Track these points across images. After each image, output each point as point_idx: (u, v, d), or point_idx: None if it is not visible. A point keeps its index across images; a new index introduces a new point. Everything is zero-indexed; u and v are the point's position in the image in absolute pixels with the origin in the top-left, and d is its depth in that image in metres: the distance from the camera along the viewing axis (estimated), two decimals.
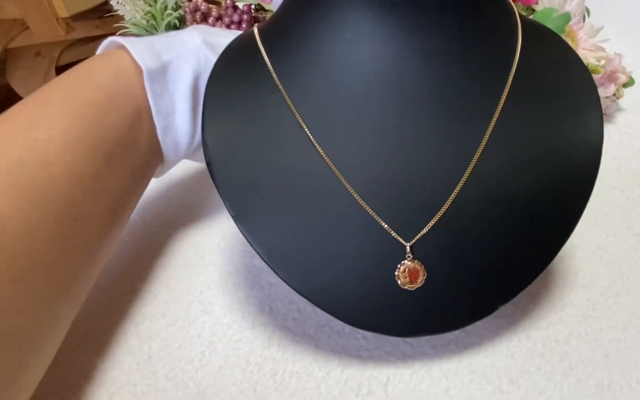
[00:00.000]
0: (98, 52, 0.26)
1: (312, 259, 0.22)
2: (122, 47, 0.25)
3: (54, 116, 0.21)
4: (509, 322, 0.25)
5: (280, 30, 0.25)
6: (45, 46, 1.30)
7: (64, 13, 1.17)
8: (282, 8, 0.26)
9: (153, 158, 0.27)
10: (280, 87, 0.23)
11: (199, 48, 0.27)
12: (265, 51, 0.25)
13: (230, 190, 0.22)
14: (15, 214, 0.19)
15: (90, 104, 0.23)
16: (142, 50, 0.25)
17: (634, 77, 0.40)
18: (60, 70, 1.31)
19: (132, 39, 0.26)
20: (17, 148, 0.20)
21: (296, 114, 0.23)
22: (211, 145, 0.23)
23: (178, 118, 0.26)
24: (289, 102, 0.23)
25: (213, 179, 0.22)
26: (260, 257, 0.21)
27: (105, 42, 0.26)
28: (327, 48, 0.23)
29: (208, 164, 0.23)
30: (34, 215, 0.19)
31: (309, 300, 0.21)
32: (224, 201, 0.22)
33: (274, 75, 0.24)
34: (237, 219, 0.22)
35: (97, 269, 0.24)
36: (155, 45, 0.26)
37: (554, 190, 0.22)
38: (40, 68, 1.34)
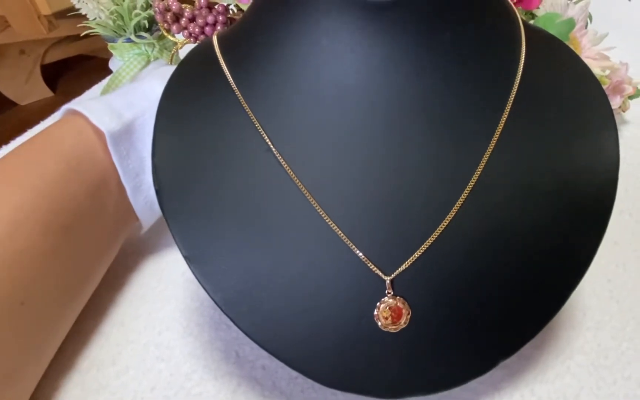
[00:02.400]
0: (56, 119, 0.25)
1: (280, 304, 0.18)
2: (80, 113, 0.24)
3: (4, 192, 0.20)
4: (509, 374, 0.22)
5: (242, 37, 0.22)
6: (29, 44, 1.25)
7: (46, 10, 1.13)
8: (246, 13, 0.23)
9: (124, 222, 0.25)
10: (243, 102, 0.20)
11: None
12: (225, 61, 0.21)
13: (183, 225, 0.19)
14: None
15: (47, 174, 0.21)
16: (101, 113, 0.23)
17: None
18: (45, 68, 1.27)
19: (89, 102, 0.24)
20: None
21: (262, 132, 0.20)
22: (161, 170, 0.19)
23: (149, 176, 0.24)
24: (254, 120, 0.20)
25: (162, 211, 0.19)
26: (217, 305, 0.18)
27: (62, 110, 0.25)
28: (298, 56, 0.20)
29: (157, 192, 0.19)
30: None
31: (276, 357, 0.18)
32: (174, 237, 0.19)
33: (235, 88, 0.20)
34: (190, 259, 0.18)
35: (51, 351, 0.22)
36: (114, 105, 0.24)
37: (563, 225, 0.19)
38: (24, 66, 1.29)
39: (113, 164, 0.23)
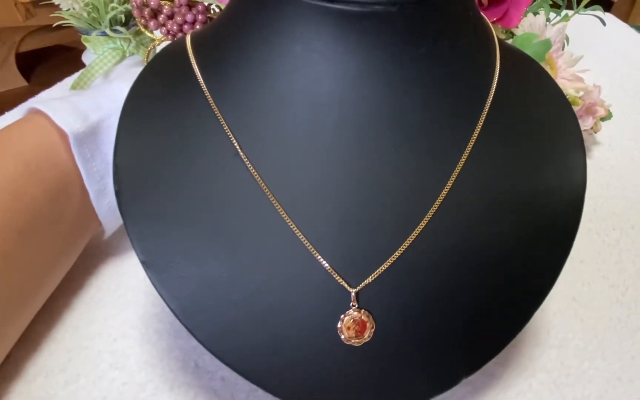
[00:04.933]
0: (18, 117, 0.24)
1: (240, 314, 0.18)
2: (43, 113, 0.23)
3: None
4: (472, 391, 0.22)
5: (216, 38, 0.21)
6: (5, 31, 1.21)
7: None
8: (220, 13, 0.22)
9: (85, 227, 0.24)
10: (213, 105, 0.20)
11: None
12: (197, 62, 0.21)
13: (141, 228, 0.18)
14: None
15: (3, 175, 0.20)
16: (66, 113, 0.22)
17: (611, 110, 0.39)
18: (21, 57, 1.23)
19: (54, 101, 0.23)
20: None
21: (231, 137, 0.19)
22: (122, 171, 0.19)
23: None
24: (224, 123, 0.19)
25: (121, 213, 0.18)
26: (174, 313, 0.17)
27: (25, 108, 0.24)
28: (271, 62, 0.19)
29: (117, 193, 0.18)
30: None
31: (234, 370, 0.17)
32: (131, 241, 0.18)
33: (205, 90, 0.20)
34: (147, 265, 0.18)
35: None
36: (81, 105, 0.23)
37: (529, 243, 0.19)
38: None
39: (76, 166, 0.23)
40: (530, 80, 0.23)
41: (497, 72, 0.21)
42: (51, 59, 1.29)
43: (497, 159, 0.20)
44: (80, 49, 0.43)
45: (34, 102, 0.23)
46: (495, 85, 0.21)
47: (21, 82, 1.22)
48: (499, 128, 0.20)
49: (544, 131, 0.21)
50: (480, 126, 0.20)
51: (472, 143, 0.20)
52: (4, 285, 0.19)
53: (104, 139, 0.23)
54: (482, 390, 0.22)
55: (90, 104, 0.24)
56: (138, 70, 0.27)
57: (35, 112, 0.23)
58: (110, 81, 0.26)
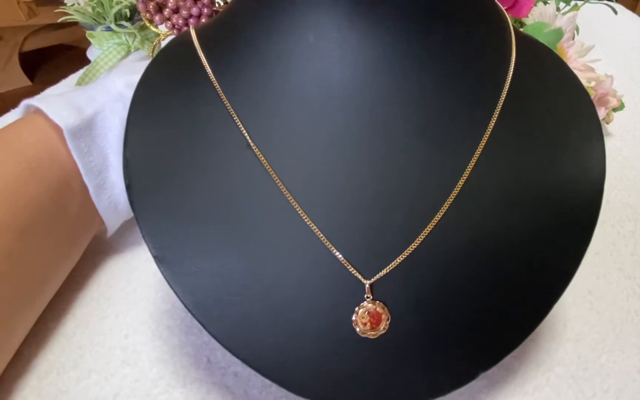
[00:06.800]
0: (16, 116, 0.23)
1: (254, 309, 0.17)
2: (41, 110, 0.22)
3: None
4: (489, 385, 0.21)
5: (224, 29, 0.21)
6: (8, 30, 1.21)
7: None
8: (228, 5, 0.22)
9: (87, 224, 0.24)
10: (223, 96, 0.19)
11: (122, 93, 0.24)
12: (205, 54, 0.20)
13: (153, 223, 0.18)
14: None
15: (5, 174, 0.20)
16: (60, 108, 0.22)
17: (623, 101, 0.38)
18: (24, 56, 1.23)
19: (49, 97, 0.23)
20: None
21: (242, 128, 0.19)
22: (133, 164, 0.18)
23: (113, 174, 0.23)
24: (234, 115, 0.19)
25: (132, 208, 0.18)
26: (187, 309, 0.17)
27: (23, 105, 0.23)
28: (283, 51, 0.19)
29: (127, 187, 0.18)
30: None
31: (248, 365, 0.17)
32: (143, 236, 0.17)
33: (214, 81, 0.20)
34: (159, 260, 0.17)
35: (6, 355, 0.21)
36: (75, 99, 0.23)
37: (548, 235, 0.19)
38: (1, 53, 1.25)
39: (76, 163, 0.22)
40: (547, 69, 0.22)
41: (513, 60, 0.21)
42: (54, 58, 1.29)
43: (514, 149, 0.19)
44: (83, 48, 0.43)
45: (31, 99, 0.23)
46: (511, 73, 0.20)
47: (25, 81, 1.22)
48: (516, 117, 0.20)
49: (561, 120, 0.21)
50: (496, 115, 0.20)
51: (488, 133, 0.19)
52: (9, 283, 0.19)
53: (99, 132, 0.23)
54: (499, 384, 0.21)
55: (85, 97, 0.23)
56: (141, 64, 0.27)
57: (34, 110, 0.23)
58: (105, 77, 0.26)
